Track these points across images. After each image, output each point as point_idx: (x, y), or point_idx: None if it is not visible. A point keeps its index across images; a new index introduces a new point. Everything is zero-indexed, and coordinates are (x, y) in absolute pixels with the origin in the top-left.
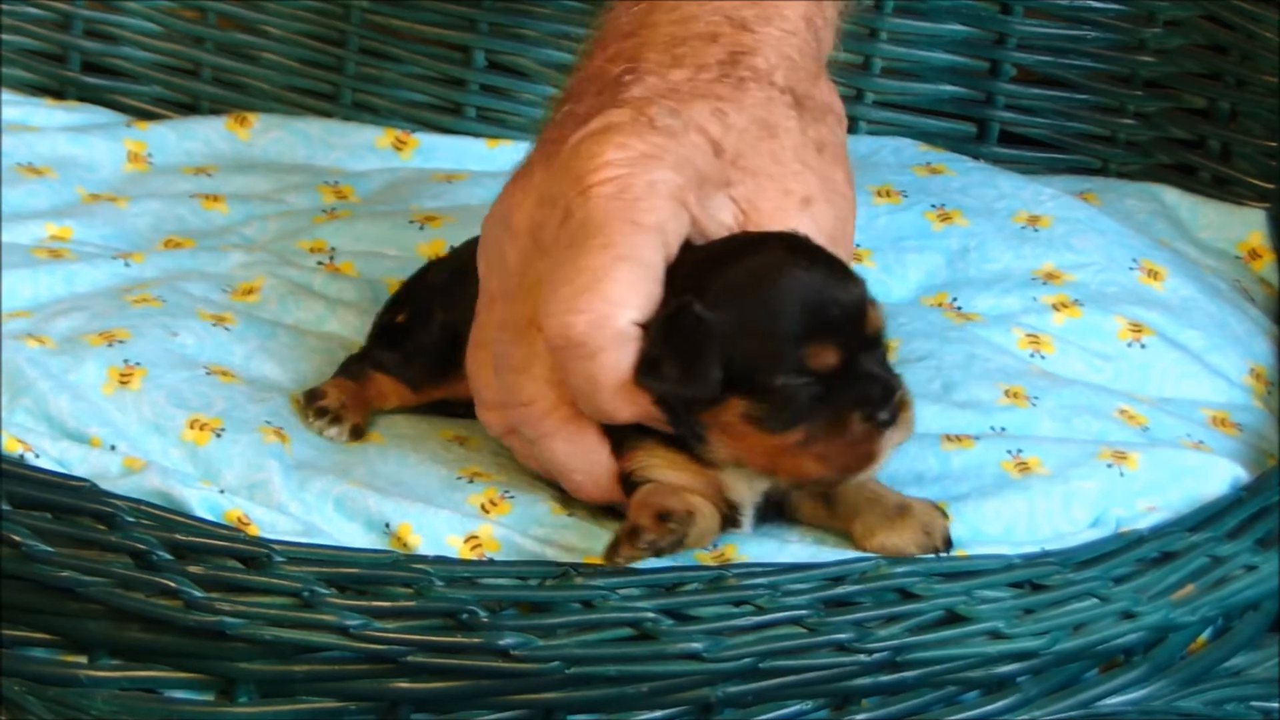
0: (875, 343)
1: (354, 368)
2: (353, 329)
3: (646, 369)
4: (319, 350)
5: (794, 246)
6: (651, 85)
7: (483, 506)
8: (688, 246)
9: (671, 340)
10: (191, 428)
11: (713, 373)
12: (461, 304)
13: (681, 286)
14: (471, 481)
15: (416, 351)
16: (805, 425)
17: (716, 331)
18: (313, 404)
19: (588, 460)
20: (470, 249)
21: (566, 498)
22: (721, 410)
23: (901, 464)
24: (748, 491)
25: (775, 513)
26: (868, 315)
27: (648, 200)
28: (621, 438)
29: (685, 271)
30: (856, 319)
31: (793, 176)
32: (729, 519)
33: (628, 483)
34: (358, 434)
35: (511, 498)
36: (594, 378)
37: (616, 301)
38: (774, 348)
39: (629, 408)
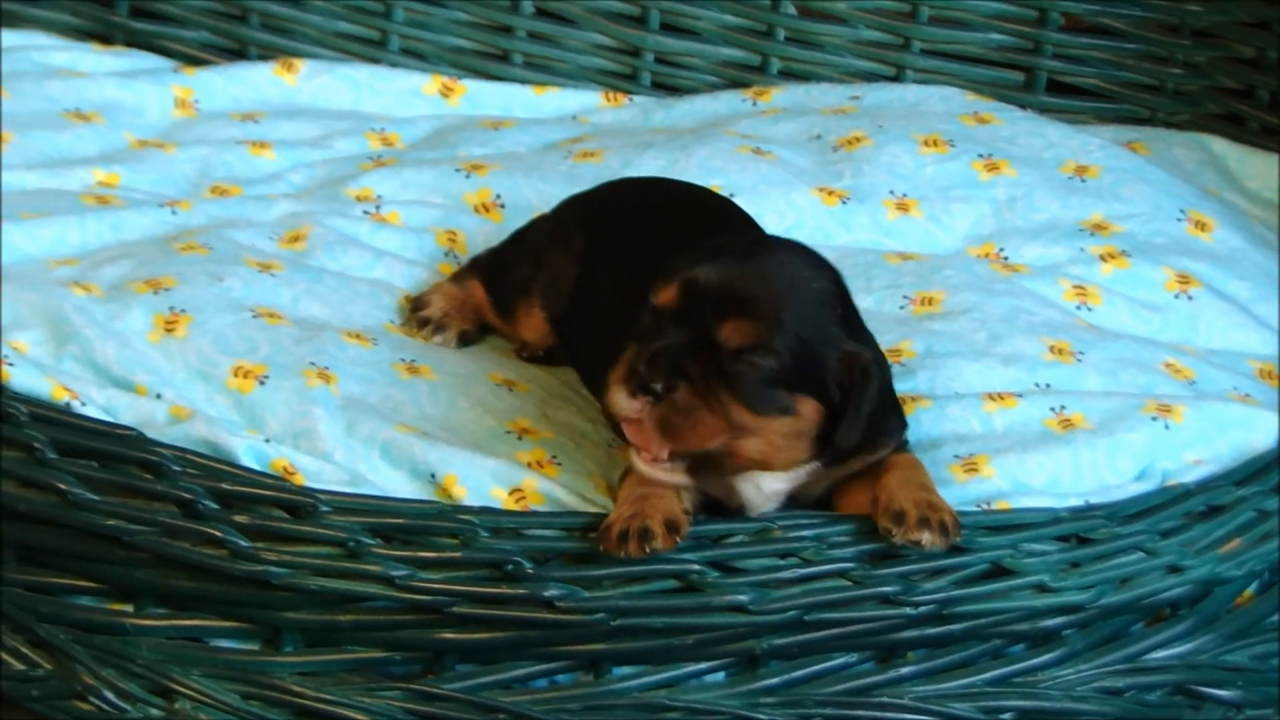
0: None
1: (461, 272)
2: (400, 277)
3: None
4: (366, 295)
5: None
6: None
7: (529, 465)
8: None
9: None
10: (236, 375)
11: None
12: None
13: None
14: (520, 438)
15: (502, 275)
16: (613, 335)
17: None
18: (415, 313)
19: None
20: (578, 208)
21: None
22: None
23: (944, 425)
24: (756, 494)
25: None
26: (726, 322)
27: None
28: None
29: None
30: (711, 303)
31: None
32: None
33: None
34: (466, 340)
35: (559, 464)
36: None
37: None
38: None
39: None
